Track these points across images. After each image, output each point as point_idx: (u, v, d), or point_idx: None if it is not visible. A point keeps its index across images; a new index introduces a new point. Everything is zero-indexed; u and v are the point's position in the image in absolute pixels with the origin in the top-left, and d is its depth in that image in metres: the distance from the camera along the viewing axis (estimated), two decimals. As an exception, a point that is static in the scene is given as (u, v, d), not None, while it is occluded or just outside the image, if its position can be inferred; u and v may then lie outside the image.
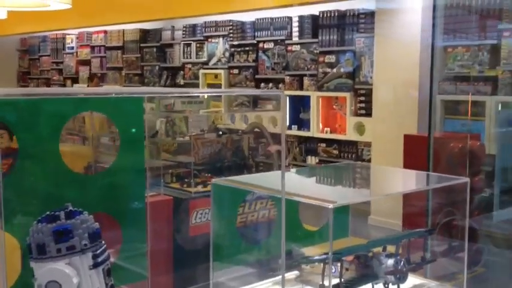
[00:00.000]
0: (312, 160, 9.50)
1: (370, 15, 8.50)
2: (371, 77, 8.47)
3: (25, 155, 2.24)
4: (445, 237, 3.41)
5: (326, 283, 2.24)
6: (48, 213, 1.82)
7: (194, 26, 11.55)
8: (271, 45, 10.11)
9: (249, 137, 6.24)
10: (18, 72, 16.86)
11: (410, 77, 7.63)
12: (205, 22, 11.21)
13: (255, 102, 10.34)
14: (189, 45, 11.61)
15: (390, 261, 2.35)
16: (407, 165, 6.23)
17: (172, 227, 4.49)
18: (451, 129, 6.78)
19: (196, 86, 11.30)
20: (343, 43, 9.07)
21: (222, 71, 10.90)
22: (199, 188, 5.11)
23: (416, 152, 6.04)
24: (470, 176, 3.62)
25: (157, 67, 12.48)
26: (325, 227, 2.84)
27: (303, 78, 9.64)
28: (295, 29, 9.74)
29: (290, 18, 9.78)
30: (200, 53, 11.42)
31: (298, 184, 2.74)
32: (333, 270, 2.31)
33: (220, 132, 6.30)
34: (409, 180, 3.04)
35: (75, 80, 14.63)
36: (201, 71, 11.29)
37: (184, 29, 11.75)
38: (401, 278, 2.38)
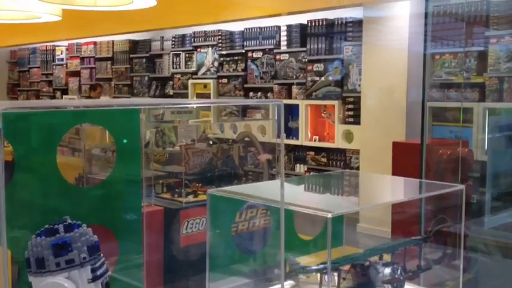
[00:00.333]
0: (300, 168, 9.52)
1: (358, 23, 8.55)
2: (359, 85, 8.50)
3: (22, 167, 2.23)
4: (438, 245, 3.42)
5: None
6: (46, 226, 1.81)
7: (183, 36, 11.56)
8: (259, 54, 10.14)
9: (239, 146, 6.25)
10: (8, 85, 16.80)
11: (398, 84, 7.69)
12: (194, 32, 11.22)
13: (243, 112, 10.36)
14: (178, 55, 11.62)
15: (387, 270, 2.36)
16: (396, 172, 6.26)
17: (164, 237, 4.48)
18: (439, 136, 6.81)
19: (186, 96, 11.30)
20: (331, 51, 9.11)
21: (211, 81, 10.90)
22: (190, 198, 5.11)
23: (405, 159, 6.08)
24: (458, 183, 3.64)
25: (146, 77, 12.46)
26: (319, 236, 2.86)
27: (292, 87, 9.67)
28: (284, 38, 9.77)
29: (278, 28, 9.81)
30: (189, 63, 11.43)
31: (293, 193, 2.75)
32: (330, 280, 2.31)
33: (211, 142, 6.30)
34: (404, 188, 3.05)
35: (64, 92, 14.59)
36: (190, 81, 11.29)
37: (173, 39, 11.75)
38: (398, 287, 2.39)
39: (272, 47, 9.92)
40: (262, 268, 2.78)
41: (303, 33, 9.49)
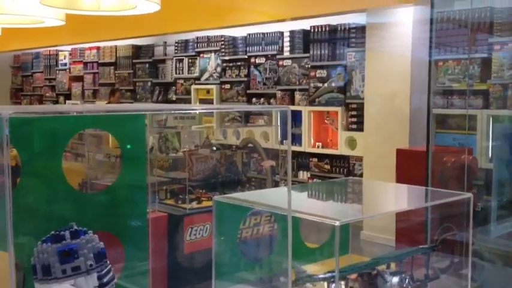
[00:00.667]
0: (304, 175, 9.49)
1: (361, 29, 8.54)
2: (362, 91, 8.49)
3: (27, 172, 2.21)
4: (444, 254, 3.40)
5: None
6: (52, 232, 1.79)
7: (186, 42, 11.56)
8: (262, 60, 10.13)
9: (243, 153, 6.23)
10: (11, 89, 16.79)
11: (402, 91, 7.66)
12: (197, 37, 11.22)
13: (246, 118, 10.34)
14: (181, 60, 11.61)
15: (395, 279, 2.34)
16: (400, 179, 6.23)
17: (168, 244, 4.46)
18: (442, 143, 6.78)
19: (188, 101, 11.29)
20: (334, 57, 9.10)
21: (214, 86, 10.89)
22: (194, 204, 5.09)
23: (409, 166, 6.05)
24: (463, 190, 3.61)
25: (149, 83, 12.46)
26: (326, 244, 2.83)
27: (294, 93, 9.66)
28: (287, 44, 9.77)
29: (281, 33, 9.81)
30: (192, 68, 11.43)
31: (299, 201, 2.72)
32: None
33: (214, 148, 6.28)
34: (411, 196, 3.03)
35: (67, 97, 14.59)
36: (193, 87, 11.29)
37: (176, 44, 11.75)
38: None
39: (275, 52, 9.91)
40: (268, 276, 2.76)
41: (305, 39, 9.49)
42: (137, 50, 12.74)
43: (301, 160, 9.53)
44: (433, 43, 5.06)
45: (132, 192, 2.63)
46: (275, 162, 6.43)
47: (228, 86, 10.71)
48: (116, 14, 6.35)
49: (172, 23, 9.77)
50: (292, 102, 9.64)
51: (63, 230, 1.80)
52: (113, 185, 2.59)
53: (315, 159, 9.36)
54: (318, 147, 9.28)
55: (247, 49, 10.38)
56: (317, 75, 9.24)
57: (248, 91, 10.39)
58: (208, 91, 11.07)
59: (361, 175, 8.41)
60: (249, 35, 10.29)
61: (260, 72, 10.20)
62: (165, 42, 12.06)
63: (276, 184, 6.21)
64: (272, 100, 9.99)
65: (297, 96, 9.60)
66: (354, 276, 2.36)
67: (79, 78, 14.29)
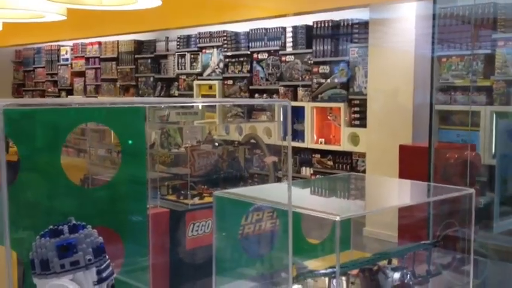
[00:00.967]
0: (306, 171, 9.47)
1: (364, 25, 8.51)
2: (365, 87, 8.47)
3: (26, 167, 2.20)
4: (445, 250, 3.38)
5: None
6: (51, 227, 1.77)
7: (188, 37, 11.54)
8: (265, 55, 10.11)
9: (245, 148, 6.21)
10: (13, 84, 16.79)
11: (405, 87, 7.64)
12: (200, 33, 11.20)
13: (249, 113, 10.33)
14: (183, 56, 11.60)
15: (396, 275, 2.32)
16: (403, 175, 6.20)
17: (170, 240, 4.44)
18: (446, 139, 6.76)
19: (191, 97, 11.27)
20: (337, 53, 9.08)
21: (216, 82, 10.88)
22: (196, 200, 5.06)
23: (412, 162, 6.03)
24: (466, 186, 3.59)
25: (151, 78, 12.45)
26: (327, 240, 2.82)
27: (297, 89, 9.64)
28: (289, 40, 9.75)
29: (284, 29, 9.79)
30: (194, 64, 11.41)
31: (301, 196, 2.71)
32: (338, 284, 2.28)
33: (217, 144, 6.26)
34: (414, 192, 3.01)
35: (69, 92, 14.58)
36: (195, 82, 11.27)
37: (178, 40, 11.73)
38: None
39: (278, 48, 9.89)
40: (269, 272, 2.75)
41: (308, 35, 9.46)
42: (139, 45, 12.73)
43: (304, 156, 9.52)
44: (435, 39, 5.04)
45: (132, 187, 2.61)
46: (277, 158, 6.42)
47: (230, 82, 10.69)
48: (118, 9, 6.33)
49: (175, 18, 9.75)
50: (295, 98, 9.62)
51: (61, 225, 1.77)
52: (112, 180, 2.57)
53: (318, 156, 9.34)
54: (321, 143, 9.26)
55: (250, 45, 10.36)
56: (320, 71, 9.22)
57: (251, 87, 10.38)
58: (210, 87, 11.05)
59: (364, 171, 8.39)
60: (252, 30, 10.27)
61: (263, 68, 10.18)
62: (167, 38, 12.04)
63: (278, 180, 6.19)
64: (275, 96, 9.97)
65: (300, 92, 9.58)
66: (355, 271, 2.35)
67: (81, 74, 14.29)
